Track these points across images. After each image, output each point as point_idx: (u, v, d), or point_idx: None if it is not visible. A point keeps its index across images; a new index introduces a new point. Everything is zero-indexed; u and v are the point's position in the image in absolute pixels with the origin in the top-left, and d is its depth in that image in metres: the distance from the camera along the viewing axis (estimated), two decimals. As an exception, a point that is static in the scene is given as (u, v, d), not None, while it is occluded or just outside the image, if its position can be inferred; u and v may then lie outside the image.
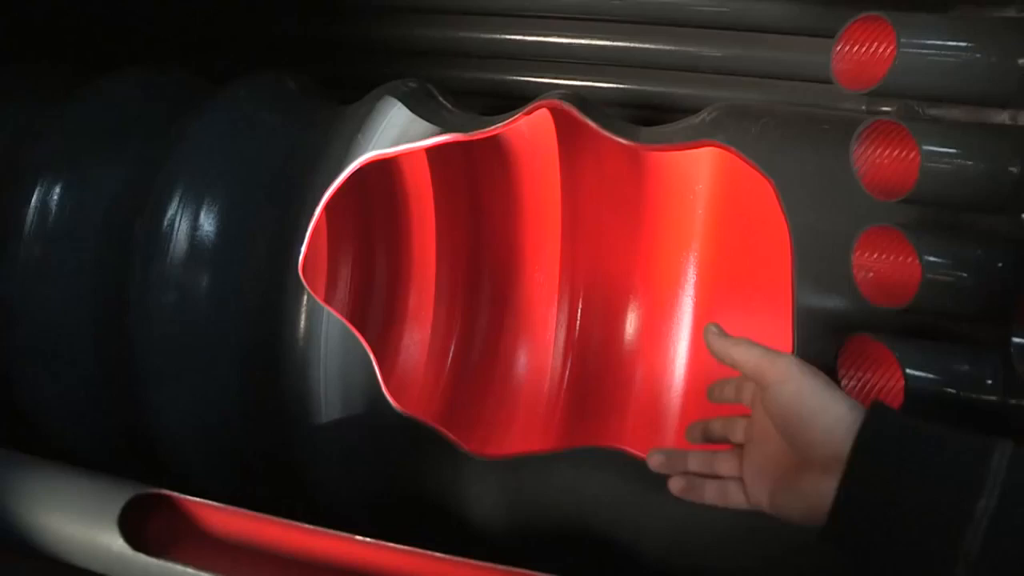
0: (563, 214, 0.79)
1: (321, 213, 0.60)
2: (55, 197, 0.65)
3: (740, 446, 0.52)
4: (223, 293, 0.62)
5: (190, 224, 0.62)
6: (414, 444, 0.63)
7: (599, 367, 0.80)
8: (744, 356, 0.49)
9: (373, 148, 0.62)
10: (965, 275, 0.51)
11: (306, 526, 0.57)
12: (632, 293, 0.80)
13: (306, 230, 0.60)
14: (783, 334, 0.57)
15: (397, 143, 0.63)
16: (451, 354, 0.82)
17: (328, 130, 0.67)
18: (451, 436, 0.62)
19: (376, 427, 0.63)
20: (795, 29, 0.79)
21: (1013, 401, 0.51)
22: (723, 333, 0.51)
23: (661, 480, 0.59)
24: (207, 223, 0.62)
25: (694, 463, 0.54)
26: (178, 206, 0.62)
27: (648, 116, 0.84)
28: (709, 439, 0.55)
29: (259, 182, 0.64)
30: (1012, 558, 0.38)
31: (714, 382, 0.59)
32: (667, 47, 0.82)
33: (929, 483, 0.40)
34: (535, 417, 0.79)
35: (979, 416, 0.52)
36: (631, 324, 0.80)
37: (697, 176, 0.75)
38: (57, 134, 0.68)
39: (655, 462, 0.54)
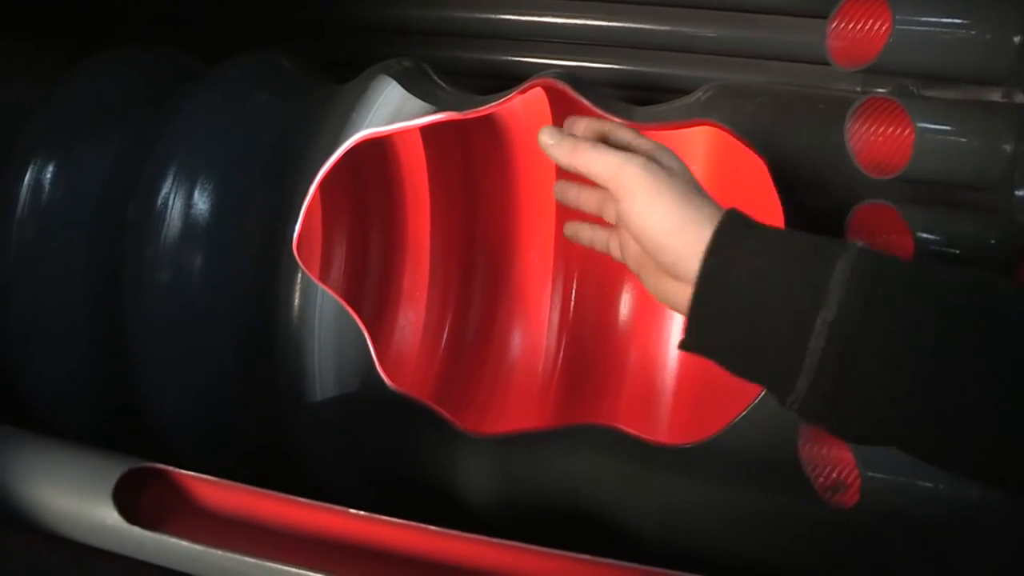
0: (558, 194, 0.79)
1: (315, 192, 0.60)
2: (48, 177, 0.65)
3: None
4: (217, 272, 0.62)
5: (184, 203, 0.61)
6: (409, 422, 0.64)
7: (593, 346, 0.80)
8: (589, 166, 0.44)
9: (368, 127, 0.62)
10: (958, 252, 0.52)
11: (300, 499, 0.57)
12: (626, 273, 0.80)
13: (300, 209, 0.59)
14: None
15: (391, 122, 0.63)
16: (446, 333, 0.82)
17: (322, 109, 0.66)
18: (446, 414, 0.62)
19: (371, 406, 0.63)
20: (790, 10, 0.79)
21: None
22: (559, 134, 0.46)
23: (657, 458, 0.60)
24: (201, 202, 0.62)
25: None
26: (172, 185, 0.61)
27: (643, 96, 0.84)
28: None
29: (253, 161, 0.64)
30: (852, 367, 0.37)
31: (561, 181, 0.56)
32: (662, 27, 0.82)
33: (776, 296, 0.39)
34: (530, 396, 0.79)
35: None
36: (625, 304, 0.80)
37: (692, 156, 0.75)
38: (48, 114, 0.68)
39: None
